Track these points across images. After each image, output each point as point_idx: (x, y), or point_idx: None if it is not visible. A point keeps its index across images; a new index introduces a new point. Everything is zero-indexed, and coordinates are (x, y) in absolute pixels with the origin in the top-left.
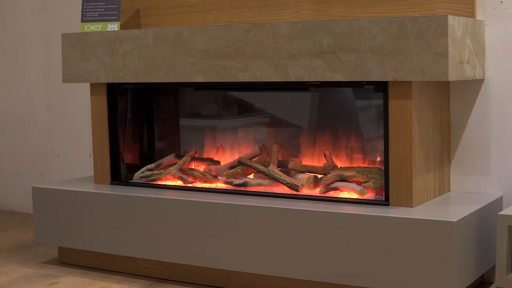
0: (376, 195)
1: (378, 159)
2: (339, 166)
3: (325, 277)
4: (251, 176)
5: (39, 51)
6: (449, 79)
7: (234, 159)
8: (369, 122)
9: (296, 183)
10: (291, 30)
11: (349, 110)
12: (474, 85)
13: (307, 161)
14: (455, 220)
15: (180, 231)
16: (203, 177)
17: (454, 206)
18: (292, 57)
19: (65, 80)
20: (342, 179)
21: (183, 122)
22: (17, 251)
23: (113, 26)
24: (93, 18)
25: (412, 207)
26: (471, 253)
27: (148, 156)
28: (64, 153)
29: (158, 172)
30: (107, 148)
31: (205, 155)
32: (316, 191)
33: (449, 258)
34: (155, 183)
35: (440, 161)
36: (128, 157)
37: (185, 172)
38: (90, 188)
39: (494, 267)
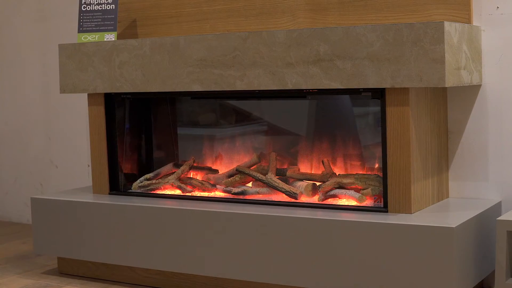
0: (374, 202)
1: (376, 166)
2: (337, 174)
3: (323, 285)
4: (250, 184)
5: (36, 62)
6: (446, 85)
7: (233, 167)
8: (366, 129)
9: (295, 191)
10: (288, 38)
11: (346, 117)
12: (471, 91)
13: (305, 169)
14: (454, 226)
15: (179, 240)
16: (202, 186)
17: (453, 212)
18: (289, 65)
19: (63, 90)
20: (341, 187)
21: (181, 131)
22: (17, 262)
23: (110, 36)
24: (90, 28)
25: (410, 213)
26: (470, 259)
27: (146, 165)
28: (62, 163)
29: (157, 182)
30: (105, 158)
31: (203, 164)
32: (315, 199)
33: (448, 264)
34: (154, 192)
35: (438, 167)
36: (127, 166)
37: (183, 181)
38: (88, 198)
39: (493, 272)
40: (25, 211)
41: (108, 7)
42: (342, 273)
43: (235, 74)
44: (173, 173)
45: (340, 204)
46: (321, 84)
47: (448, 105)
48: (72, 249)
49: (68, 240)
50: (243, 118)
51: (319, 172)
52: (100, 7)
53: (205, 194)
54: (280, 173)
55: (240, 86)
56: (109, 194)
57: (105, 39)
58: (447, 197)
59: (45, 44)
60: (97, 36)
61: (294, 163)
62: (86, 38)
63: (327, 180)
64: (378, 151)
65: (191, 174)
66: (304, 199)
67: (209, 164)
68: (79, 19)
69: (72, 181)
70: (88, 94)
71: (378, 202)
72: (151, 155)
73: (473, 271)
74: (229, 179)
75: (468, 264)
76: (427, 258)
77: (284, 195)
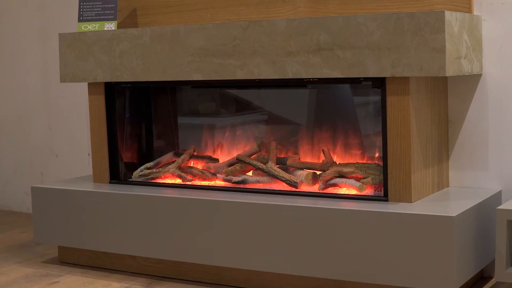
0: (375, 190)
1: (377, 155)
2: (337, 163)
3: (324, 273)
4: (250, 173)
5: (36, 51)
6: (447, 75)
7: (233, 156)
8: (367, 118)
9: (295, 180)
10: (288, 27)
11: (347, 107)
12: (471, 80)
13: (305, 158)
14: (454, 215)
15: (179, 229)
16: (202, 175)
17: (453, 201)
18: (290, 54)
19: (63, 79)
20: (341, 175)
21: (181, 120)
22: (17, 251)
23: (110, 26)
24: (90, 17)
25: (411, 202)
26: (470, 248)
27: (146, 154)
28: (62, 152)
29: (157, 171)
30: (105, 147)
31: (203, 153)
32: (315, 188)
33: (448, 253)
34: (154, 181)
35: (438, 157)
36: (127, 155)
37: (184, 170)
38: (89, 187)
39: (493, 261)
40: (25, 200)
41: None
42: (342, 262)
43: (235, 63)
44: (173, 162)
45: (341, 193)
46: (321, 73)
47: (449, 95)
48: (72, 238)
49: (68, 229)
50: (243, 107)
51: (320, 161)
52: None
53: (206, 183)
54: (281, 162)
55: (240, 75)
56: (110, 183)
57: (105, 28)
58: (447, 186)
59: (45, 33)
60: (97, 25)
61: (294, 152)
62: (86, 27)
63: (328, 169)
64: (379, 140)
65: (192, 163)
66: (304, 188)
67: (209, 153)
68: (79, 8)
69: (73, 170)
70: (88, 83)
71: (378, 191)
72: (151, 144)
73: (473, 260)
74: (230, 168)
75: (468, 253)
76: (427, 247)
77: (284, 184)
